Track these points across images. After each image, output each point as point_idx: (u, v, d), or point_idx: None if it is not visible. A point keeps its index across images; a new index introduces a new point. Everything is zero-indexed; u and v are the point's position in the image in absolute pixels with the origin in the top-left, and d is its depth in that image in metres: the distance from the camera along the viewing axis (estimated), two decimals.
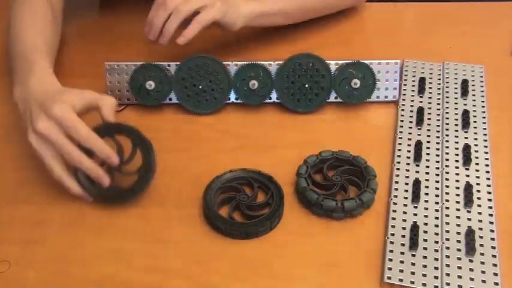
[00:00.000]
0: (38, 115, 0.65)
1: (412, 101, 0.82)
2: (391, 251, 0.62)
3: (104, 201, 0.69)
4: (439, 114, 0.80)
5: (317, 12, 0.94)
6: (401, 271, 0.60)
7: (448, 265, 0.61)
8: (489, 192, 0.68)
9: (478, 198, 0.68)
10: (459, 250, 0.62)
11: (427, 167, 0.72)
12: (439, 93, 0.83)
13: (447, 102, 0.82)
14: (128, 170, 0.69)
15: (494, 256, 0.61)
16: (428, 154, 0.74)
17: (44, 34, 0.81)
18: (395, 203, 0.68)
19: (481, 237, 0.63)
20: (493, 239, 0.63)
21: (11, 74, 0.77)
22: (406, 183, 0.70)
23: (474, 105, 0.81)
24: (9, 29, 0.82)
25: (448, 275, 0.60)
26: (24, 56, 0.76)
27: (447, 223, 0.65)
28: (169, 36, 0.76)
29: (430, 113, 0.80)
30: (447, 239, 0.63)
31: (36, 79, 0.71)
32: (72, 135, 0.65)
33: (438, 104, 0.82)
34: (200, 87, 0.80)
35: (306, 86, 0.80)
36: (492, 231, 0.64)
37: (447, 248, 0.63)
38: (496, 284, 0.59)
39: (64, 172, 0.66)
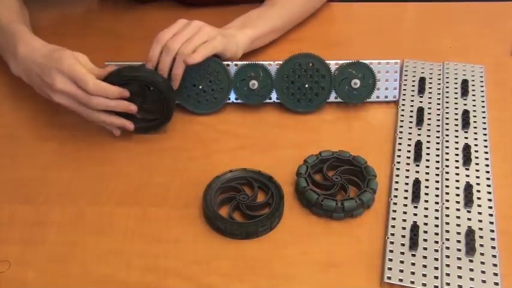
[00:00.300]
0: (52, 75, 0.71)
1: (412, 101, 0.82)
2: (391, 251, 0.62)
3: (140, 132, 0.77)
4: (439, 114, 0.80)
5: (299, 20, 0.96)
6: (401, 271, 0.60)
7: (448, 265, 0.61)
8: (489, 192, 0.68)
9: (478, 198, 0.68)
10: (459, 250, 0.62)
11: (427, 167, 0.72)
12: (439, 93, 0.83)
13: (447, 102, 0.82)
14: (148, 106, 0.76)
15: (494, 256, 0.61)
16: (428, 154, 0.74)
17: (13, 9, 0.85)
18: (395, 203, 0.68)
19: (481, 237, 0.63)
20: (493, 239, 0.63)
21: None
22: (406, 183, 0.70)
23: (474, 105, 0.81)
24: None
25: (448, 275, 0.60)
26: (3, 31, 0.80)
27: (447, 223, 0.65)
28: (179, 80, 0.76)
29: (430, 113, 0.80)
30: (447, 239, 0.63)
31: (24, 45, 0.77)
32: (82, 87, 0.71)
33: (438, 104, 0.81)
34: (200, 87, 0.80)
35: (306, 86, 0.80)
36: (492, 231, 0.64)
37: (447, 248, 0.63)
38: (496, 284, 0.59)
39: (100, 113, 0.73)
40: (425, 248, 0.62)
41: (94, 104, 0.72)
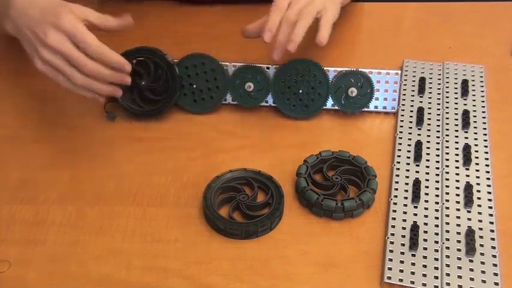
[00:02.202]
0: (46, 30, 0.64)
1: (412, 101, 0.82)
2: (391, 251, 0.62)
3: (143, 117, 0.79)
4: (439, 114, 0.80)
5: None
6: (401, 271, 0.60)
7: (448, 265, 0.61)
8: (489, 192, 0.68)
9: (478, 198, 0.68)
10: (459, 250, 0.62)
11: (427, 167, 0.72)
12: (439, 93, 0.83)
13: (447, 102, 0.82)
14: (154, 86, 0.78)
15: (494, 256, 0.61)
16: (428, 154, 0.74)
17: None
18: (395, 203, 0.68)
19: (481, 237, 0.63)
20: (493, 239, 0.63)
21: None
22: (406, 183, 0.70)
23: (474, 105, 0.81)
24: None
25: (448, 275, 0.60)
26: None
27: (447, 223, 0.65)
28: (299, 41, 0.72)
29: (430, 113, 0.80)
30: (447, 239, 0.63)
31: None
32: (82, 47, 0.64)
33: (438, 104, 0.81)
34: (194, 86, 0.80)
35: (301, 92, 0.79)
36: (492, 231, 0.64)
37: (447, 248, 0.63)
38: (496, 284, 0.59)
39: (86, 78, 0.66)
40: (425, 248, 0.62)
41: (88, 68, 0.65)
